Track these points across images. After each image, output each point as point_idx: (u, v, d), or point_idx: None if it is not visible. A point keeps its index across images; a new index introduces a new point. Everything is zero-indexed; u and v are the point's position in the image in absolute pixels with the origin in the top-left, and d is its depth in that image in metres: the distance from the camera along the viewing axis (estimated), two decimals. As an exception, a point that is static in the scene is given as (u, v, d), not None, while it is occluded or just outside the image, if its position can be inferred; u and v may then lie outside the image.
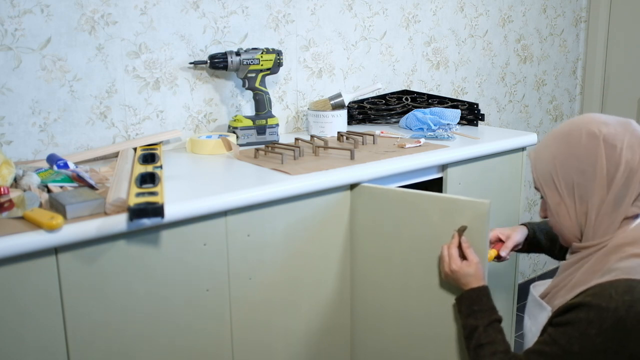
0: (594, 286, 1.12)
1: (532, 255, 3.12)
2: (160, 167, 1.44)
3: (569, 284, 1.21)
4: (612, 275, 1.11)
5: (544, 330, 1.20)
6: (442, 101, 2.16)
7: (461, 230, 1.38)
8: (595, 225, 1.19)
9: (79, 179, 1.33)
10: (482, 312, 1.32)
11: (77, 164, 1.50)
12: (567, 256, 1.29)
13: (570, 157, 1.19)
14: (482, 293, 1.34)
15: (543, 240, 1.57)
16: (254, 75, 1.82)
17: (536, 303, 1.31)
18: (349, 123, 2.10)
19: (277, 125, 1.85)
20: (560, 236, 1.28)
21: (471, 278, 1.35)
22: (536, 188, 1.28)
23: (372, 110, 2.15)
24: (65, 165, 1.40)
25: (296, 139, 1.78)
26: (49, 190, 1.29)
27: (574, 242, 1.25)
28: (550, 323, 1.17)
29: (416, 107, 2.13)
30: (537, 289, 1.34)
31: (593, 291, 1.11)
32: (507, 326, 2.08)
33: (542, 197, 1.28)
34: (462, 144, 1.81)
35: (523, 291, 3.14)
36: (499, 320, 1.32)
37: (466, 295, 1.36)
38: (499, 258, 1.53)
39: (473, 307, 1.34)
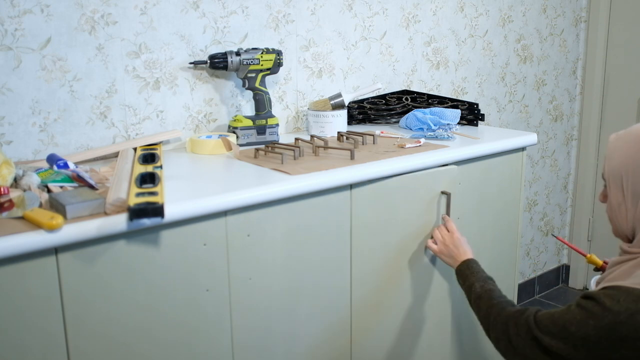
0: (614, 286, 1.14)
1: (532, 255, 3.12)
2: (160, 167, 1.44)
3: (606, 278, 1.24)
4: (633, 282, 1.13)
5: None
6: (442, 101, 2.16)
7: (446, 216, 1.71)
8: None
9: (79, 179, 1.33)
10: (474, 274, 1.54)
11: (77, 164, 1.50)
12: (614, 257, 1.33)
13: None
14: (474, 262, 1.58)
15: None
16: (254, 75, 1.82)
17: None
18: (349, 123, 2.10)
19: (277, 125, 1.85)
20: (613, 227, 1.31)
21: (462, 248, 1.62)
22: (603, 176, 1.29)
23: (372, 110, 2.15)
24: (65, 165, 1.41)
25: (296, 139, 1.78)
26: (49, 190, 1.29)
27: (623, 241, 1.27)
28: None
29: (416, 107, 2.13)
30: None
31: (610, 291, 1.14)
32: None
33: (605, 186, 1.29)
34: (462, 144, 1.81)
35: (523, 291, 3.15)
36: (492, 279, 1.53)
37: (461, 266, 1.58)
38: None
39: (466, 272, 1.55)
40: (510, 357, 1.31)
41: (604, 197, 1.30)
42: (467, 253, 1.61)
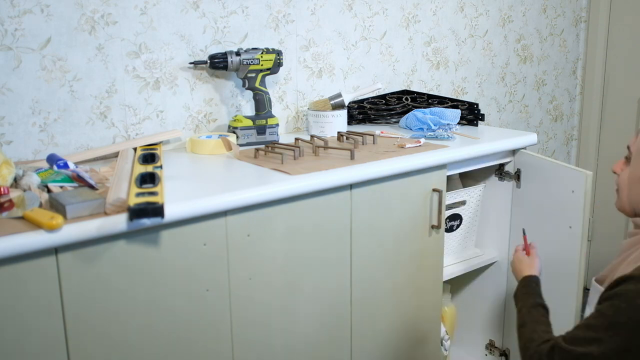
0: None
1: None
2: (160, 167, 1.44)
3: (625, 261, 1.24)
4: None
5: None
6: (442, 101, 2.16)
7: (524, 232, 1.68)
8: None
9: (79, 179, 1.33)
10: (528, 295, 1.44)
11: (77, 164, 1.49)
12: (625, 240, 1.32)
13: None
14: (532, 279, 1.49)
15: None
16: (254, 75, 1.82)
17: (595, 290, 1.33)
18: (349, 123, 2.10)
19: (277, 125, 1.85)
20: (620, 200, 1.34)
21: (525, 266, 1.55)
22: (628, 147, 1.33)
23: (372, 110, 2.15)
24: (65, 165, 1.40)
25: (296, 139, 1.78)
26: (49, 190, 1.29)
27: (627, 215, 1.31)
28: (600, 300, 1.18)
29: (416, 107, 2.13)
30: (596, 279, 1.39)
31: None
32: (510, 320, 2.08)
33: (627, 158, 1.32)
34: (462, 144, 1.81)
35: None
36: (544, 306, 1.40)
37: (519, 284, 1.51)
38: None
39: (522, 291, 1.47)
40: None
41: (620, 169, 1.34)
42: (531, 268, 1.54)
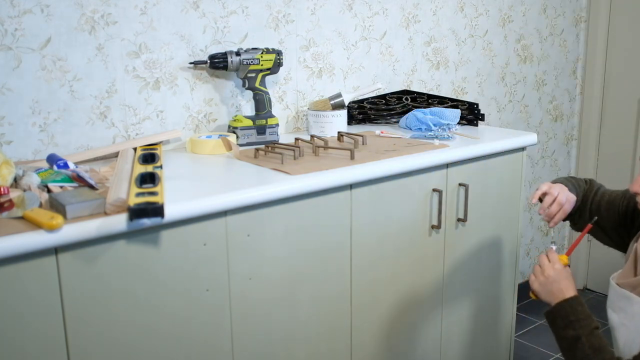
0: None
1: (532, 255, 3.12)
2: (160, 167, 1.44)
3: None
4: None
5: None
6: (442, 101, 2.16)
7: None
8: None
9: (79, 179, 1.33)
10: (580, 322, 1.30)
11: (77, 164, 1.50)
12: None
13: None
14: (577, 302, 1.33)
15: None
16: (254, 75, 1.82)
17: (623, 296, 1.30)
18: (349, 123, 2.10)
19: (277, 125, 1.85)
20: None
21: (566, 283, 1.36)
22: None
23: (372, 110, 2.15)
24: (65, 165, 1.41)
25: (296, 139, 1.78)
26: (49, 190, 1.29)
27: None
28: None
29: (416, 107, 2.13)
30: (617, 281, 1.35)
31: None
32: (507, 324, 2.08)
33: None
34: (462, 144, 1.81)
35: (523, 291, 3.14)
36: (598, 327, 1.31)
37: (559, 308, 1.34)
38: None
39: (570, 318, 1.31)
40: None
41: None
42: (569, 289, 1.35)
